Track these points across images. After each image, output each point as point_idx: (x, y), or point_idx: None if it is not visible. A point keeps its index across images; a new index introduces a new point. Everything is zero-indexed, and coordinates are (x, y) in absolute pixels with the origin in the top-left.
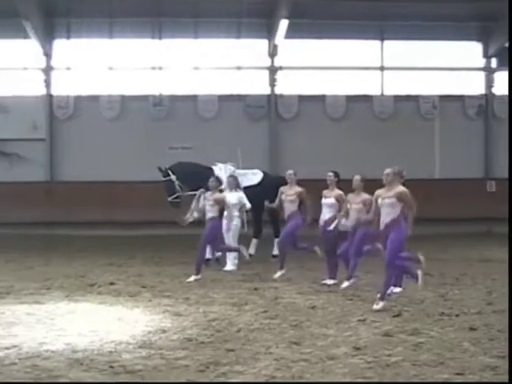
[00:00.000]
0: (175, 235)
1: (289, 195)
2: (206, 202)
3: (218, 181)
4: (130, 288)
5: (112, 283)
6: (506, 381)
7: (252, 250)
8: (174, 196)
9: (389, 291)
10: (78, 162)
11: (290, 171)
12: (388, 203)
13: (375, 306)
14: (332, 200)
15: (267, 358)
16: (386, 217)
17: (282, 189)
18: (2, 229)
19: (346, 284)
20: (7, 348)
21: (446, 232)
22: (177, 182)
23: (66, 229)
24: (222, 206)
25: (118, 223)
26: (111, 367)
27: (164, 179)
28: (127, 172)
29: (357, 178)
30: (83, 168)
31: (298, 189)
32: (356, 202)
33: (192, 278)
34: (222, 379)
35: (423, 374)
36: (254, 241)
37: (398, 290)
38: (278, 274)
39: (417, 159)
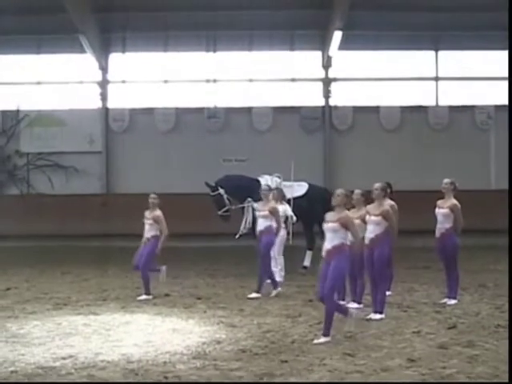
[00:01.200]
0: (229, 247)
1: (262, 211)
2: (257, 214)
3: (270, 189)
4: (185, 299)
5: (167, 295)
6: (506, 381)
7: (307, 262)
8: (224, 209)
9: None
10: (133, 175)
11: (265, 186)
12: (373, 220)
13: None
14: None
15: (321, 370)
16: (369, 234)
17: (255, 205)
18: (59, 241)
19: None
20: (64, 358)
21: (502, 243)
22: (225, 196)
23: (122, 241)
24: (277, 216)
25: (172, 235)
26: (165, 378)
27: (213, 194)
28: (182, 184)
29: (357, 192)
30: (139, 180)
31: (272, 205)
32: (355, 217)
33: (253, 295)
34: None
35: None
36: (309, 252)
37: (453, 301)
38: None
39: (472, 170)
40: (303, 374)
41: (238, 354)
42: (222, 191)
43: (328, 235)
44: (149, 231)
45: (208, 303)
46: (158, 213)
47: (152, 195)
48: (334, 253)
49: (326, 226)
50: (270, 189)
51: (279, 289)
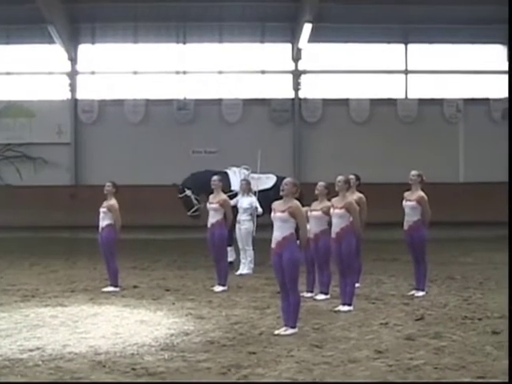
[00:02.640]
0: (199, 239)
1: (213, 203)
2: (208, 206)
3: (248, 183)
4: (154, 291)
5: (135, 286)
6: (506, 381)
7: None
8: (193, 210)
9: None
10: (102, 166)
11: (215, 177)
12: (337, 213)
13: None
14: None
15: (289, 361)
16: (335, 227)
17: (210, 197)
18: (27, 232)
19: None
20: (31, 350)
21: (471, 236)
22: (193, 196)
23: (90, 232)
24: (227, 209)
25: (142, 227)
26: (133, 369)
27: (180, 195)
28: (151, 176)
29: (320, 184)
30: (108, 172)
31: (223, 197)
32: (316, 209)
33: (220, 289)
34: (243, 382)
35: (445, 377)
36: None
37: (420, 293)
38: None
39: (441, 163)
40: (271, 366)
41: (205, 346)
42: (188, 192)
43: (277, 225)
44: (103, 220)
45: (177, 295)
46: (113, 202)
47: (107, 184)
48: (285, 244)
49: (274, 215)
50: (248, 183)
51: (225, 287)
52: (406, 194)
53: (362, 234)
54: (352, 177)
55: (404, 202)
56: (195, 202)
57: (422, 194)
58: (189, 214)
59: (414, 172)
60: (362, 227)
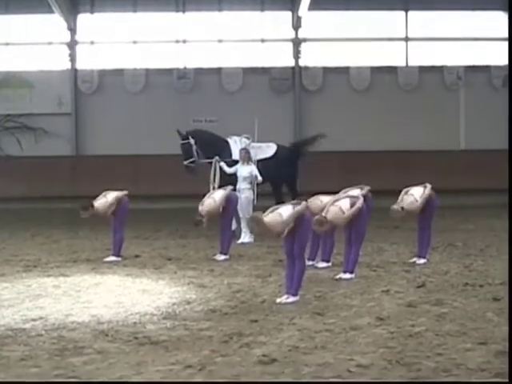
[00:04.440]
0: None
1: None
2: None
3: (247, 152)
4: (156, 260)
5: (137, 256)
6: (507, 380)
7: None
8: (191, 160)
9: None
10: (102, 136)
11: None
12: None
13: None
14: None
15: (290, 329)
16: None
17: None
18: (28, 203)
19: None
20: (34, 320)
21: (471, 203)
22: (195, 147)
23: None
24: None
25: (143, 196)
26: (136, 338)
27: (183, 142)
28: (152, 145)
29: None
30: (108, 142)
31: None
32: None
33: (222, 257)
34: (245, 349)
35: (446, 343)
36: None
37: (422, 261)
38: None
39: (442, 130)
40: (273, 334)
41: (207, 314)
42: (192, 141)
43: None
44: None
45: (178, 264)
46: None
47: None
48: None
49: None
50: (247, 152)
51: (227, 256)
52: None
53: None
54: None
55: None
56: (195, 153)
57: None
58: (185, 163)
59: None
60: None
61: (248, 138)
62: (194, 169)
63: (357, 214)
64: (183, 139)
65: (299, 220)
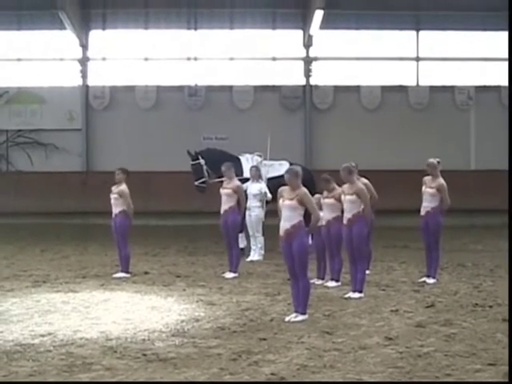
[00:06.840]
0: (210, 225)
1: (225, 188)
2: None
3: (258, 170)
4: (165, 277)
5: (146, 272)
6: (507, 380)
7: None
8: (202, 180)
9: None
10: (113, 152)
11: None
12: (348, 200)
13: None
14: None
15: (299, 348)
16: (346, 213)
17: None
18: (39, 218)
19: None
20: (42, 335)
21: (482, 223)
22: (205, 167)
23: (101, 218)
24: (240, 195)
25: (153, 213)
26: (144, 355)
27: (193, 162)
28: (162, 162)
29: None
30: (119, 158)
31: (236, 183)
32: (329, 196)
33: (231, 275)
34: (253, 368)
35: (455, 364)
36: None
37: (431, 281)
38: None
39: (452, 150)
40: (281, 352)
41: (216, 332)
42: (202, 161)
43: (285, 213)
44: (115, 206)
45: (187, 281)
46: (123, 187)
47: (117, 171)
48: (294, 232)
49: (282, 203)
50: (257, 169)
51: (236, 274)
52: (427, 179)
53: (373, 219)
54: (353, 164)
55: (424, 188)
56: (205, 173)
57: (442, 181)
58: (196, 183)
59: (432, 160)
60: (372, 211)
61: (260, 156)
62: (205, 188)
63: (357, 232)
64: (193, 160)
65: (296, 229)
